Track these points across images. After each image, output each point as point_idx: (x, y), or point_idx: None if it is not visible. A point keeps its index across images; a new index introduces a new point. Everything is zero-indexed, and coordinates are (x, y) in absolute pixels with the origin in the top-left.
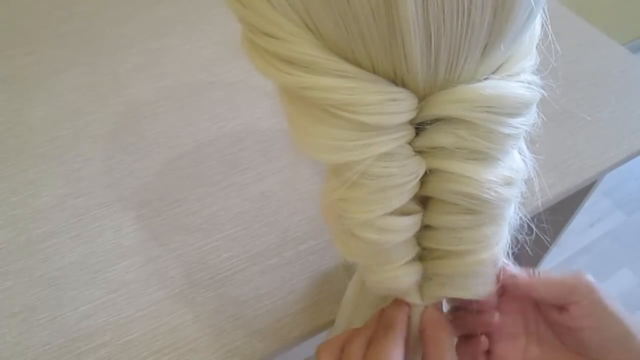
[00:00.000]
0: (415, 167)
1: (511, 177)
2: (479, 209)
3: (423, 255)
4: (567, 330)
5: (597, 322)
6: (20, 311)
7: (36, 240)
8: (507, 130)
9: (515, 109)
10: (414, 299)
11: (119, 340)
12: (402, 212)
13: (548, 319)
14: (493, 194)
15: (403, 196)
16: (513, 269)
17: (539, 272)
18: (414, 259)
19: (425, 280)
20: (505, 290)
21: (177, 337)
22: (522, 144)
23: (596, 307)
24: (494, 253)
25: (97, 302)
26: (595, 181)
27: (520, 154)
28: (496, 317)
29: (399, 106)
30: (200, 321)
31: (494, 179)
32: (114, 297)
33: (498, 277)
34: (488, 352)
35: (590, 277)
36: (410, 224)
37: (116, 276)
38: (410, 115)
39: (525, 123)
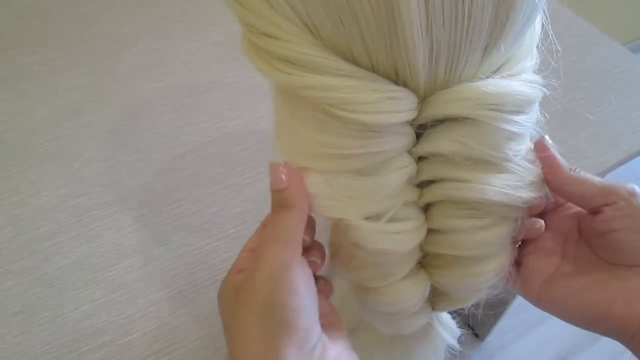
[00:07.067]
0: (411, 175)
1: (518, 180)
2: (484, 213)
3: (426, 264)
4: (600, 237)
5: (633, 223)
6: (20, 311)
7: (36, 240)
8: (511, 128)
9: (518, 106)
10: (424, 318)
11: (120, 340)
12: (401, 218)
13: (585, 232)
14: (500, 197)
15: (395, 204)
16: (559, 159)
17: (578, 170)
18: (415, 271)
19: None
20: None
21: (177, 337)
22: (529, 144)
23: (634, 210)
24: (499, 264)
25: (98, 302)
26: None
27: (527, 155)
28: (539, 224)
29: (398, 104)
30: (201, 321)
31: (501, 182)
32: (114, 297)
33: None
34: (517, 263)
35: (633, 185)
36: (412, 228)
37: (116, 276)
38: (410, 115)
39: (528, 121)
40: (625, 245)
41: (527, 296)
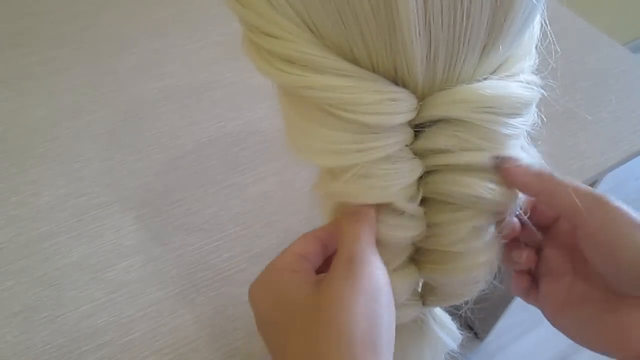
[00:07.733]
0: (413, 170)
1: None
2: (480, 209)
3: (416, 258)
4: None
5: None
6: (20, 311)
7: (36, 240)
8: (507, 131)
9: (514, 109)
10: (414, 311)
11: (120, 340)
12: (402, 212)
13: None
14: (495, 193)
15: (400, 198)
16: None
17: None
18: (405, 264)
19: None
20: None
21: (177, 337)
22: (525, 142)
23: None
24: (486, 259)
25: (98, 302)
26: (596, 181)
27: (525, 152)
28: (538, 235)
29: (398, 106)
30: (201, 321)
31: (497, 179)
32: (114, 297)
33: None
34: (536, 286)
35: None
36: (411, 225)
37: (116, 276)
38: (410, 116)
39: (525, 123)
40: (605, 273)
41: (548, 319)
